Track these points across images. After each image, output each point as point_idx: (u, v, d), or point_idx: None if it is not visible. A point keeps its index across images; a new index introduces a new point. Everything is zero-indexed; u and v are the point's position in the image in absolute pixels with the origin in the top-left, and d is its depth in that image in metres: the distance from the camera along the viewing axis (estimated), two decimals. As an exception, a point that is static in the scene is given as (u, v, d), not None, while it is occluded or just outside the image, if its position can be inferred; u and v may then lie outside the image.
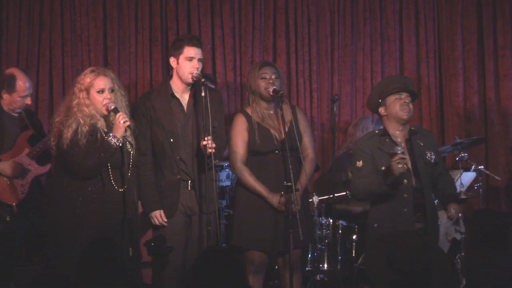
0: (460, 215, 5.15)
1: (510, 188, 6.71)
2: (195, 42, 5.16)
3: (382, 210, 5.12)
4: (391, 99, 5.12)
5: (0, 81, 5.60)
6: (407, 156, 4.95)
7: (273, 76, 5.25)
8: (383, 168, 5.02)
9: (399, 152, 4.89)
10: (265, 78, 5.25)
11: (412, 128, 5.20)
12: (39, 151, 5.57)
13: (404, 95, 5.10)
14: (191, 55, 5.12)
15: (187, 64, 5.12)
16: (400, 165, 4.85)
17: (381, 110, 5.17)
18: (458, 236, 5.26)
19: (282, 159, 5.24)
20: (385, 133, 5.14)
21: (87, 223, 4.79)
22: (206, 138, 4.98)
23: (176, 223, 5.13)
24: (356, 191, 5.17)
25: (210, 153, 4.94)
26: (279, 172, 5.24)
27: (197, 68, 5.11)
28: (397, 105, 5.09)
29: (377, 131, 5.22)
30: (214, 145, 4.97)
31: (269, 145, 5.24)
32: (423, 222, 5.11)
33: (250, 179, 5.21)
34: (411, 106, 5.12)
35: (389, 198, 5.06)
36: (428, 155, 5.12)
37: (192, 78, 5.12)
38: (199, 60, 5.14)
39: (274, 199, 5.17)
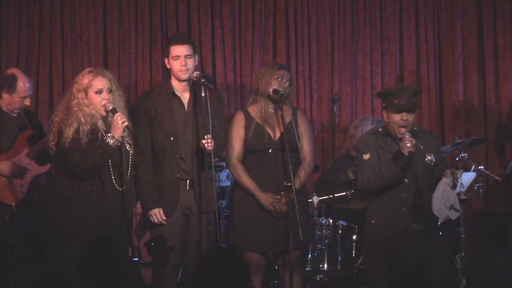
0: (459, 176, 5.16)
1: (507, 186, 6.68)
2: (179, 39, 5.17)
3: (380, 208, 5.18)
4: (390, 112, 5.19)
5: (0, 81, 5.60)
6: (414, 140, 5.08)
7: (287, 83, 5.26)
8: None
9: (407, 136, 5.08)
10: (280, 80, 5.24)
11: (415, 128, 5.25)
12: (39, 151, 5.56)
13: (404, 114, 5.14)
14: (177, 53, 5.13)
15: (175, 63, 5.14)
16: (409, 144, 5.02)
17: (384, 114, 5.27)
18: (454, 215, 5.23)
19: (279, 158, 5.25)
20: (387, 133, 5.21)
21: (86, 223, 4.79)
22: (205, 137, 4.98)
23: (174, 223, 5.13)
24: (365, 179, 5.18)
25: (210, 151, 4.95)
26: (276, 171, 5.24)
27: (185, 66, 5.11)
28: (395, 122, 5.17)
29: (380, 129, 5.28)
30: (213, 143, 4.97)
31: (262, 143, 5.24)
32: (421, 223, 5.14)
33: (242, 176, 5.21)
34: (411, 119, 5.18)
35: (390, 191, 5.13)
36: (428, 158, 5.17)
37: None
38: (186, 56, 5.13)
39: (263, 198, 5.17)
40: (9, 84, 5.55)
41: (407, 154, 5.02)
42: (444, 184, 5.13)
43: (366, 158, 5.19)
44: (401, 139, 5.13)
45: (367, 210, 5.29)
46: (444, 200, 5.11)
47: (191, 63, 5.15)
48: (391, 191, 5.15)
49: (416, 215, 5.14)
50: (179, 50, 5.14)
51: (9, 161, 5.52)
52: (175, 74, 5.17)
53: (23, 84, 5.57)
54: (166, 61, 5.20)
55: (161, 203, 5.13)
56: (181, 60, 5.13)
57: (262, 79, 5.28)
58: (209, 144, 4.96)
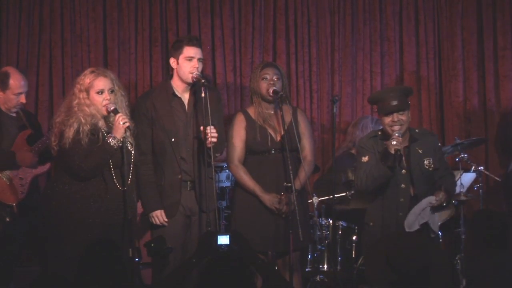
0: (444, 204, 5.16)
1: (507, 188, 6.67)
2: (195, 42, 5.18)
3: (378, 211, 5.25)
4: (382, 115, 5.26)
5: None
6: (401, 138, 5.11)
7: (274, 77, 5.28)
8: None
9: (396, 135, 5.10)
10: (266, 79, 5.28)
11: (417, 131, 5.29)
12: (38, 151, 5.56)
13: (395, 115, 5.16)
14: (191, 54, 5.14)
15: (187, 64, 5.14)
16: (394, 142, 5.05)
17: (380, 118, 5.30)
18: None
19: (280, 159, 5.26)
20: (384, 137, 5.25)
21: (87, 223, 4.80)
22: (208, 128, 4.97)
23: (175, 224, 5.13)
24: (359, 180, 5.24)
25: (211, 143, 4.95)
26: (277, 172, 5.26)
27: (197, 68, 5.13)
28: (386, 124, 5.22)
29: (379, 132, 5.30)
30: (216, 135, 4.98)
31: (265, 145, 5.25)
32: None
33: (245, 177, 5.23)
34: (403, 118, 5.19)
35: (387, 194, 5.17)
36: (426, 162, 5.21)
37: (192, 78, 5.13)
38: (199, 59, 5.15)
39: (267, 198, 5.19)
40: (2, 82, 5.54)
41: (393, 152, 5.05)
42: (427, 202, 5.15)
43: (365, 161, 5.23)
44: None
45: (366, 212, 5.34)
46: (420, 217, 5.12)
47: (201, 67, 5.17)
48: (388, 196, 5.20)
49: None
50: (194, 52, 5.15)
51: (26, 151, 5.51)
52: (183, 75, 5.16)
53: (15, 80, 5.56)
54: (173, 61, 5.19)
55: (163, 204, 5.13)
56: (194, 62, 5.14)
57: (253, 82, 5.33)
58: (211, 135, 4.96)
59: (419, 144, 5.24)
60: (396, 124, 5.16)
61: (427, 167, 5.20)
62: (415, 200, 5.17)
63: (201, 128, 5.03)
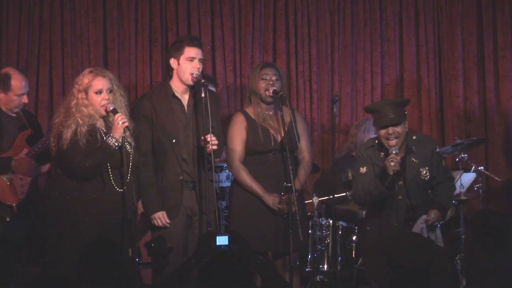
0: (436, 224, 5.19)
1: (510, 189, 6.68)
2: (196, 42, 5.18)
3: (375, 218, 5.30)
4: (377, 128, 5.31)
5: None
6: (399, 157, 5.12)
7: (273, 78, 5.27)
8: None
9: (393, 152, 5.10)
10: (265, 79, 5.27)
11: (414, 138, 5.29)
12: (38, 151, 5.56)
13: (390, 128, 5.18)
14: (192, 55, 5.13)
15: (188, 64, 5.13)
16: (393, 163, 5.05)
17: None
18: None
19: (279, 159, 5.26)
20: (381, 148, 5.29)
21: (87, 223, 4.80)
22: (208, 137, 4.98)
23: (177, 224, 5.13)
24: (356, 194, 5.31)
25: (211, 150, 4.95)
26: (277, 172, 5.26)
27: (198, 69, 5.12)
28: (382, 136, 5.25)
29: (376, 141, 5.30)
30: (216, 142, 4.98)
31: (267, 144, 5.25)
32: None
33: (246, 178, 5.23)
34: (399, 130, 5.20)
35: (384, 203, 5.20)
36: (423, 172, 5.22)
37: (192, 79, 5.12)
38: (200, 60, 5.15)
39: (270, 199, 5.19)
40: (3, 83, 5.55)
41: (391, 173, 5.08)
42: (421, 223, 5.18)
43: (363, 172, 5.26)
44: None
45: (364, 216, 5.39)
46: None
47: (201, 67, 5.17)
48: (386, 205, 5.22)
49: (410, 222, 5.23)
50: (195, 52, 5.15)
51: (22, 158, 5.51)
52: (183, 76, 5.15)
53: (17, 81, 5.56)
54: (173, 61, 5.18)
55: (164, 205, 5.13)
56: (195, 62, 5.14)
57: (252, 82, 5.33)
58: (212, 144, 4.96)
59: (415, 154, 5.25)
60: (391, 137, 5.17)
61: (423, 177, 5.22)
62: (411, 212, 5.20)
63: (202, 137, 5.03)
